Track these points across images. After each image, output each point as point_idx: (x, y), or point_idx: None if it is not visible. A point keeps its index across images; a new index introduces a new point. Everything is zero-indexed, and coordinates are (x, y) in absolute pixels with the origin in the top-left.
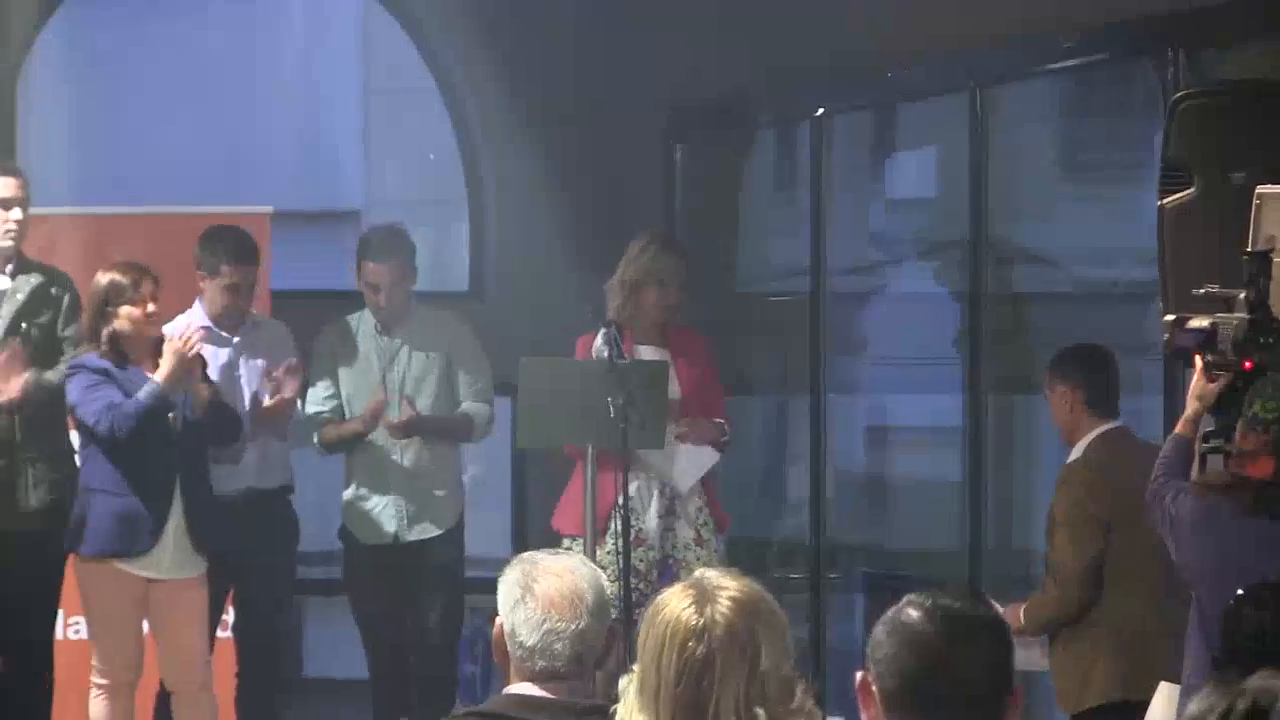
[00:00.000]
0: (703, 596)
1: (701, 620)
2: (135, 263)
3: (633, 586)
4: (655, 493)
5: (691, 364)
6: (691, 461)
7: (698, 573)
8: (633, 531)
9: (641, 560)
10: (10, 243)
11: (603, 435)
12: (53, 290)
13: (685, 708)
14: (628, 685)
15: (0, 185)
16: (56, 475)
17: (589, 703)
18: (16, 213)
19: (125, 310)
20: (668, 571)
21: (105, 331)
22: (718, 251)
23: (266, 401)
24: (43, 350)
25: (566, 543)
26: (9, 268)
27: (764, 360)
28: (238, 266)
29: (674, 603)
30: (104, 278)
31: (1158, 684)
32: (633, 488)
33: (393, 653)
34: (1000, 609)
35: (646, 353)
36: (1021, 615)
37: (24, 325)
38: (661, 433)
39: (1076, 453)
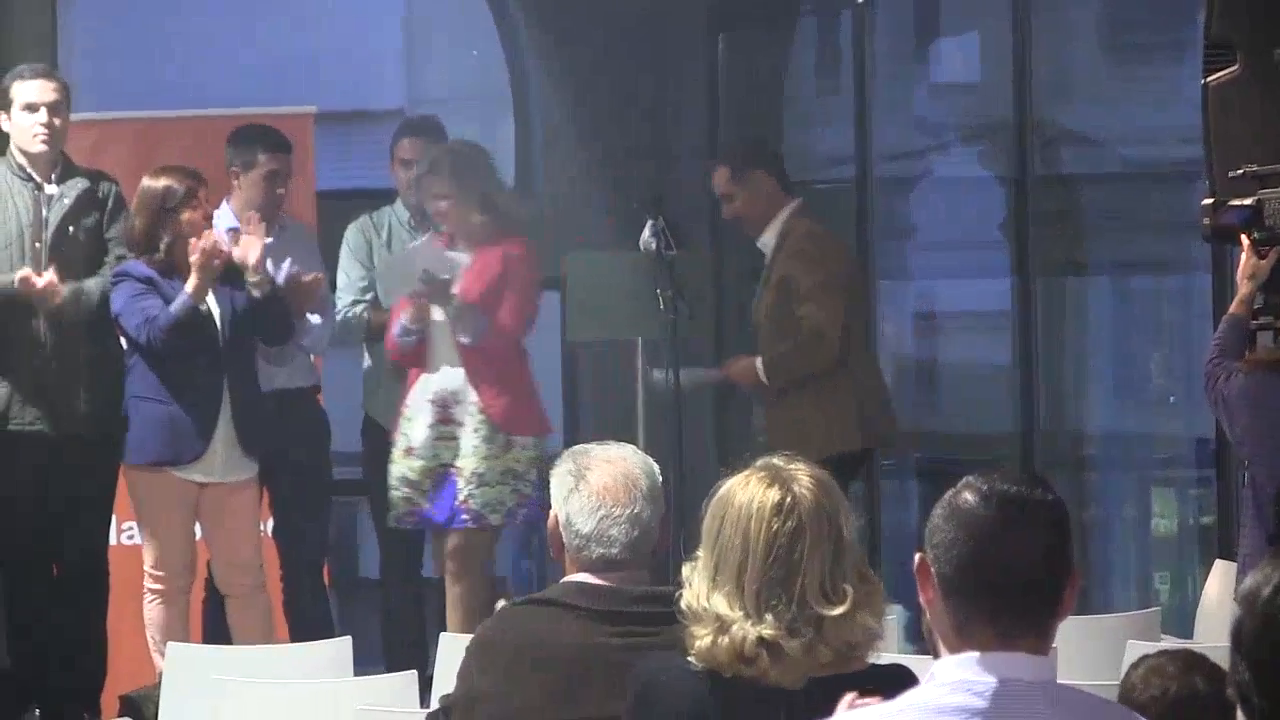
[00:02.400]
0: (779, 477)
1: (789, 497)
2: (188, 167)
3: (404, 495)
4: (429, 401)
5: (482, 269)
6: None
7: (763, 459)
8: (404, 441)
9: (411, 469)
10: (44, 147)
11: (652, 327)
12: (98, 193)
13: (772, 582)
14: (692, 572)
15: (32, 89)
16: (107, 381)
17: (644, 589)
18: (43, 114)
19: (188, 216)
20: (446, 480)
21: (165, 239)
22: (763, 141)
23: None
24: (90, 252)
25: (524, 441)
26: (54, 173)
27: None
28: (275, 155)
29: (751, 485)
30: (157, 183)
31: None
32: (409, 395)
33: (407, 552)
34: (715, 370)
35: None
36: (762, 368)
37: (71, 229)
38: (710, 325)
39: (774, 229)
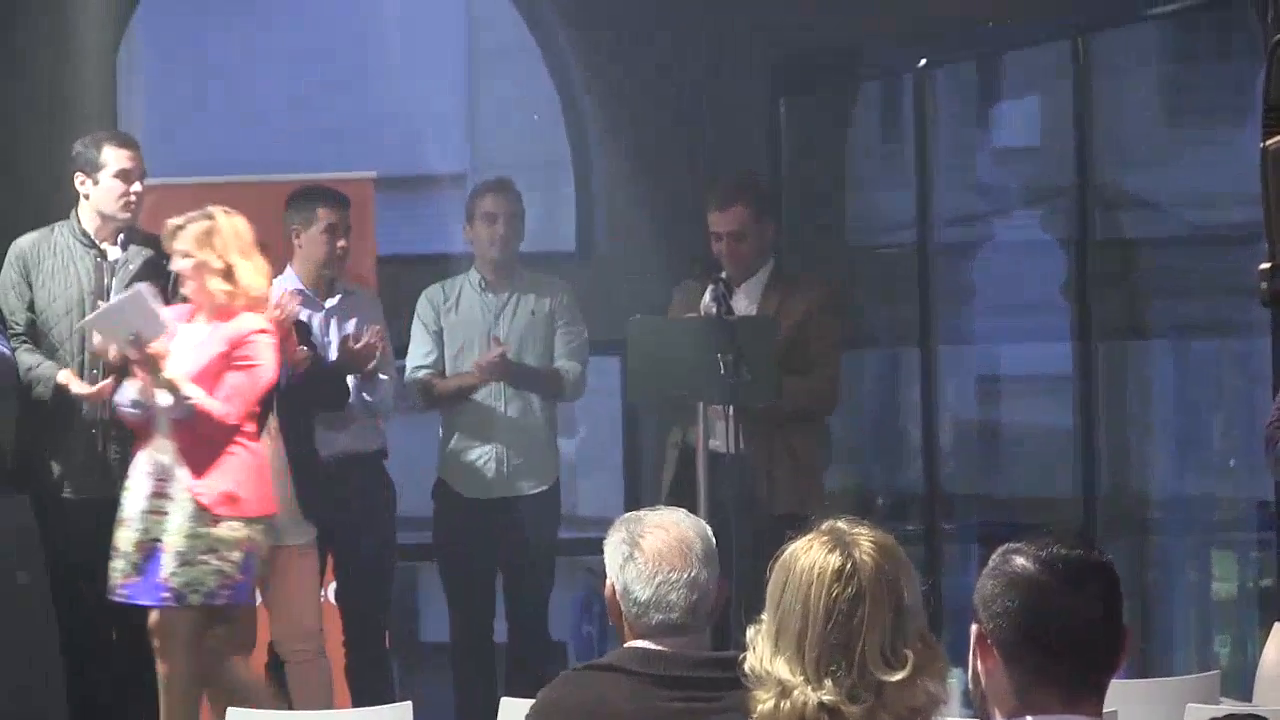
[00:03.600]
0: (841, 542)
1: (849, 563)
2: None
3: (118, 568)
4: (146, 474)
5: (201, 347)
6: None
7: (828, 522)
8: (121, 511)
9: (124, 541)
10: (128, 215)
11: (713, 391)
12: (163, 260)
13: (832, 649)
14: (756, 635)
15: (122, 157)
16: None
17: (705, 654)
18: (137, 185)
19: None
20: (154, 555)
21: None
22: (825, 205)
23: (360, 342)
24: None
25: (232, 523)
26: (120, 238)
27: (874, 313)
28: (333, 208)
29: (814, 550)
30: None
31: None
32: (133, 465)
33: (478, 616)
34: None
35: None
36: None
37: None
38: (772, 387)
39: (760, 279)
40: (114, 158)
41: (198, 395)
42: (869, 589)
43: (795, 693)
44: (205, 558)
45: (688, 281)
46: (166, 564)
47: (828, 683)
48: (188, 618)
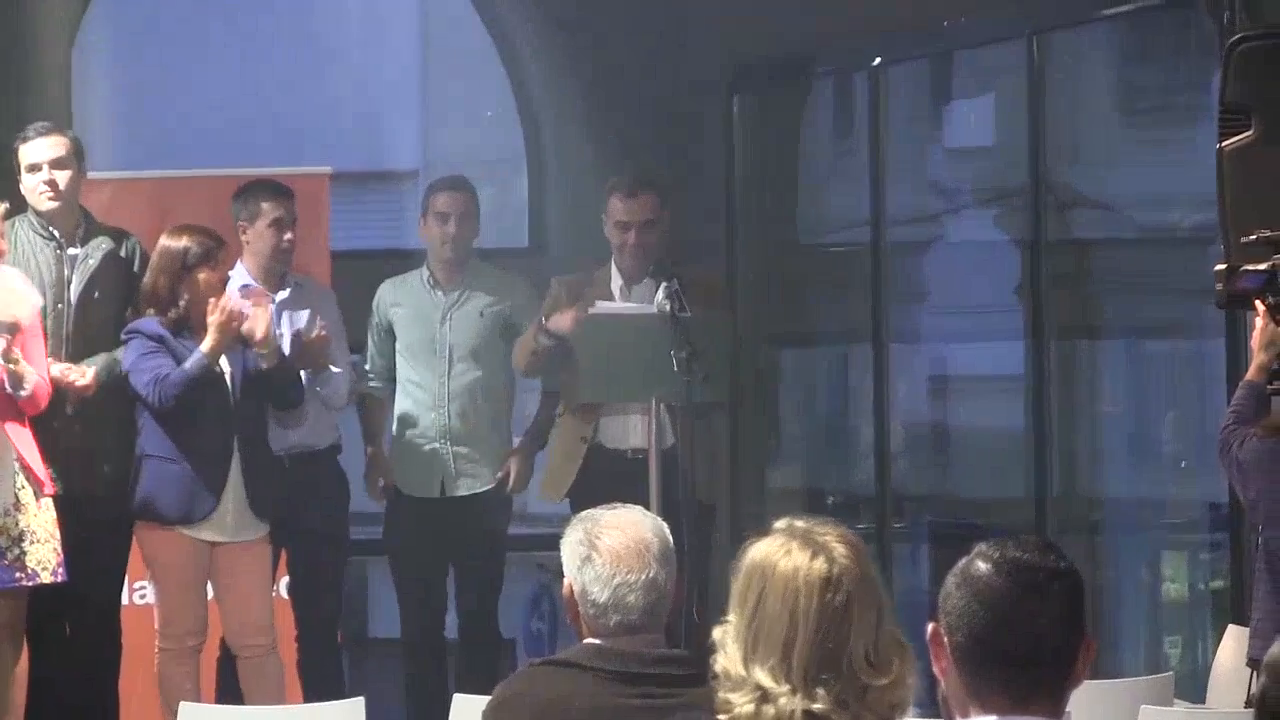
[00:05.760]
0: (817, 544)
1: (834, 567)
2: (208, 228)
3: None
4: None
5: None
6: None
7: (785, 521)
8: None
9: None
10: (53, 204)
11: (666, 389)
12: (122, 253)
13: (825, 656)
14: (724, 636)
15: (34, 149)
16: (127, 442)
17: (661, 652)
18: (45, 172)
19: (205, 276)
20: None
21: (184, 298)
22: (778, 203)
23: (313, 334)
24: (116, 315)
25: (47, 501)
26: (78, 233)
27: (826, 311)
28: (278, 201)
29: (793, 554)
30: (177, 242)
31: None
32: None
33: (429, 614)
34: None
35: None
36: None
37: (97, 294)
38: (724, 385)
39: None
40: (24, 154)
41: (32, 373)
42: (855, 593)
43: (782, 700)
44: (46, 536)
45: (563, 277)
46: (9, 546)
47: (819, 691)
48: (21, 601)
